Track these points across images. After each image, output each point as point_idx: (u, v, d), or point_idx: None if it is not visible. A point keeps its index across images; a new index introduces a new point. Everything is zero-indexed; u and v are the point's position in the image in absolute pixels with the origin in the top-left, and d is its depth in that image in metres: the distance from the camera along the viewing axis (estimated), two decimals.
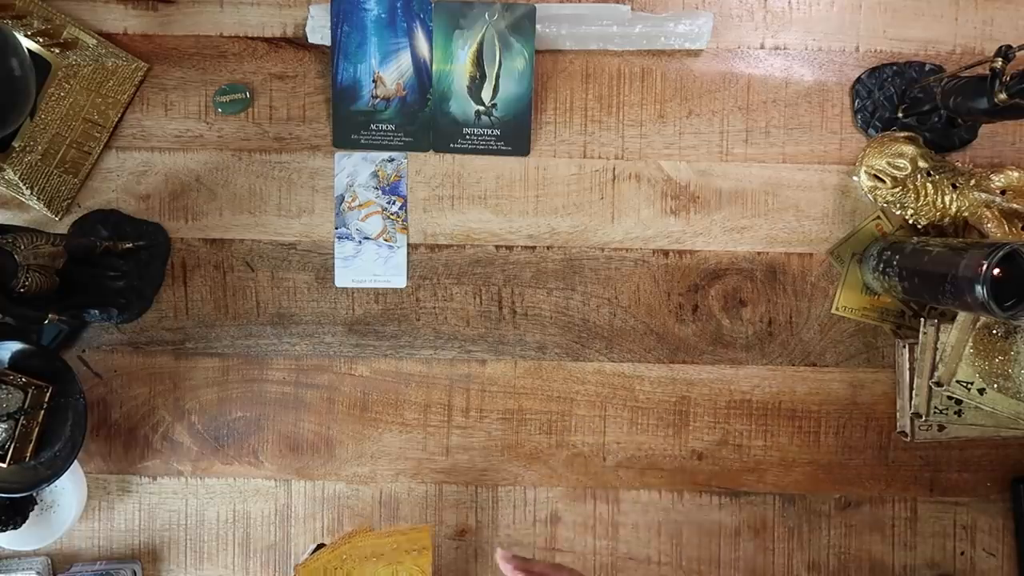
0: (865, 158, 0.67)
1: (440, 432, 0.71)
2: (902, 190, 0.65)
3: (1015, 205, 0.63)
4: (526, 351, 0.71)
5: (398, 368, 0.71)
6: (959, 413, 0.67)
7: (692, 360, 0.71)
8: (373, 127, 0.69)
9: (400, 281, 0.70)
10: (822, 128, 0.70)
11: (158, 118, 0.70)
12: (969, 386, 0.65)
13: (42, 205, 0.68)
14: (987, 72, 0.58)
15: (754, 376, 0.71)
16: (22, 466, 0.61)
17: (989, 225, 0.64)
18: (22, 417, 0.60)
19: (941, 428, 0.67)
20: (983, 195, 0.63)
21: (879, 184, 0.66)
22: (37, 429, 0.61)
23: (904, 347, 0.68)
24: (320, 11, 0.68)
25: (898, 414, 0.70)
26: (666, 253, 0.70)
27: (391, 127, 0.69)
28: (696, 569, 0.71)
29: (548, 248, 0.70)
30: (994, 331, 0.65)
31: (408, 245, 0.70)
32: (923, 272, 0.60)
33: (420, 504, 0.71)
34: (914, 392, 0.67)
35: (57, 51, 0.66)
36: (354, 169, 0.70)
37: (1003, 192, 0.64)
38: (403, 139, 0.69)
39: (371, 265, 0.70)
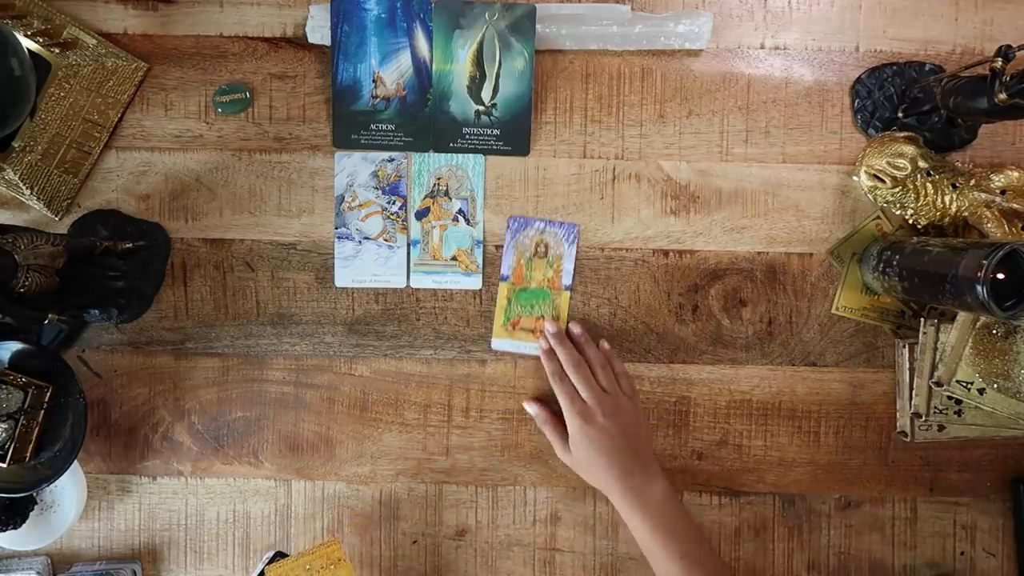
0: (865, 158, 0.67)
1: (440, 432, 0.71)
2: (902, 190, 0.65)
3: (1015, 205, 0.63)
4: None
5: (398, 368, 0.71)
6: (959, 413, 0.67)
7: (692, 360, 0.71)
8: (373, 127, 0.69)
9: (400, 281, 0.70)
10: (822, 128, 0.70)
11: (158, 118, 0.70)
12: (969, 386, 0.65)
13: (42, 205, 0.68)
14: (987, 72, 0.58)
15: (754, 376, 0.71)
16: (22, 466, 0.61)
17: (989, 225, 0.64)
18: (22, 417, 0.60)
19: (941, 428, 0.67)
20: (983, 195, 0.63)
21: (879, 184, 0.66)
22: (37, 429, 0.61)
23: (904, 347, 0.68)
24: (320, 11, 0.68)
25: (898, 414, 0.70)
26: (666, 253, 0.70)
27: (391, 127, 0.69)
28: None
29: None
30: (994, 331, 0.65)
31: (408, 245, 0.70)
32: (923, 272, 0.60)
33: (420, 504, 0.71)
34: (914, 392, 0.67)
35: (57, 51, 0.66)
36: (354, 169, 0.70)
37: (1003, 192, 0.64)
38: (403, 139, 0.69)
39: (371, 265, 0.70)
